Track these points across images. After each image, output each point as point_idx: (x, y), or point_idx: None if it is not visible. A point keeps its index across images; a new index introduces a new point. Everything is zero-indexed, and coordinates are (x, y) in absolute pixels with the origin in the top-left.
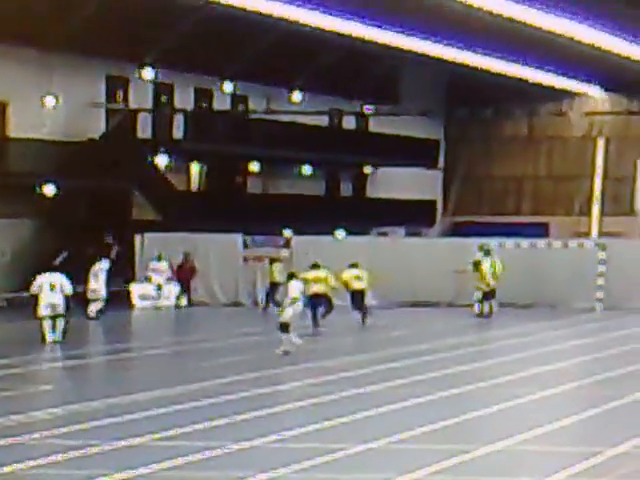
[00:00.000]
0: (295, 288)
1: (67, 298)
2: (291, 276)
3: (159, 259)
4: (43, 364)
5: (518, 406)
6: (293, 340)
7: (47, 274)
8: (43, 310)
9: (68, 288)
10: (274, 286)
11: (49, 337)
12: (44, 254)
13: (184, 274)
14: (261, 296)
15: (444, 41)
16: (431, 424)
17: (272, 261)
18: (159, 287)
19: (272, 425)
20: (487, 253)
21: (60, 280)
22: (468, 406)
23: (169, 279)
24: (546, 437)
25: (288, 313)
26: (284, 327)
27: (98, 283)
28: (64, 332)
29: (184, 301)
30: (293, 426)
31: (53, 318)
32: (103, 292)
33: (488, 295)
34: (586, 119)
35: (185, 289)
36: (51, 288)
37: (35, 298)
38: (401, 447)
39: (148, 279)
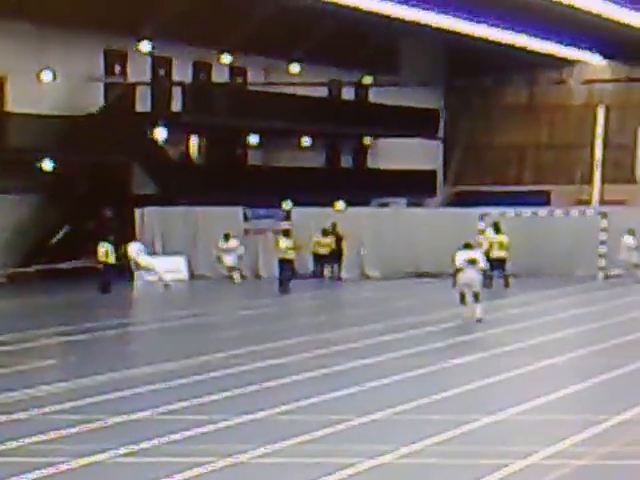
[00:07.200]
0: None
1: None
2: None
3: (227, 238)
4: (42, 340)
5: (519, 376)
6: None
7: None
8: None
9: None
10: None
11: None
12: (44, 229)
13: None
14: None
15: (443, 10)
16: (433, 395)
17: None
18: (230, 269)
19: (275, 398)
20: (497, 231)
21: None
22: (470, 376)
23: (240, 256)
24: (549, 406)
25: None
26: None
27: None
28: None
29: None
30: (296, 398)
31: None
32: None
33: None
34: (586, 87)
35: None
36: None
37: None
38: (404, 418)
39: (219, 260)
